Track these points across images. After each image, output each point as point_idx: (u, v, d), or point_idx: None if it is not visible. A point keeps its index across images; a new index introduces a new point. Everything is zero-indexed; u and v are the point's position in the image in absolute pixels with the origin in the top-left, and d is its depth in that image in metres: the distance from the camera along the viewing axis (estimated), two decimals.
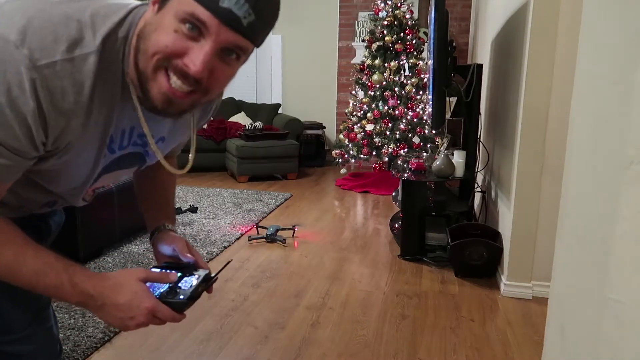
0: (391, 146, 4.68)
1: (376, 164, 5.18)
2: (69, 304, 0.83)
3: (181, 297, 0.86)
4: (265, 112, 6.09)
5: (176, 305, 0.84)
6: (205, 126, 1.20)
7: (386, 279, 2.63)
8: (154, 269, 0.92)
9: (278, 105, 6.21)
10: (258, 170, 5.12)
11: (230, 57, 0.75)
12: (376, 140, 4.79)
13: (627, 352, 0.73)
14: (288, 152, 5.17)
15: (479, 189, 3.24)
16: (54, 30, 0.69)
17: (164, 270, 0.92)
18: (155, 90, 0.74)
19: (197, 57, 0.70)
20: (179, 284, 0.88)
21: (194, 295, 0.87)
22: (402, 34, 4.80)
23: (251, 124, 5.59)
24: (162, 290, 0.86)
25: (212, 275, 0.94)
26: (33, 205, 0.90)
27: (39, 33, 0.68)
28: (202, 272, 0.92)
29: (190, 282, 0.89)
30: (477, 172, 3.09)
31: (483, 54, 4.12)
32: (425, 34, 5.11)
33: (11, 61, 0.66)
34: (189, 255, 0.96)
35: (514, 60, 2.54)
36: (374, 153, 4.85)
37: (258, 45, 0.80)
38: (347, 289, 2.50)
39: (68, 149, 0.76)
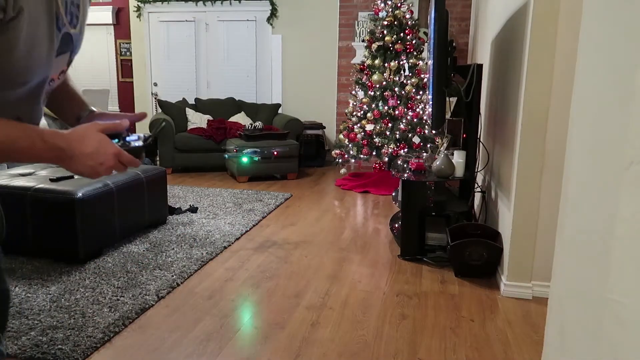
0: (391, 146, 4.68)
1: (376, 164, 5.18)
2: (44, 162, 0.89)
3: (137, 144, 0.96)
4: (265, 112, 6.09)
5: (134, 150, 0.95)
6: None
7: (386, 279, 2.63)
8: None
9: (278, 105, 6.22)
10: (258, 170, 5.12)
11: None
12: (376, 140, 4.79)
13: (627, 352, 0.73)
14: (288, 152, 5.17)
15: (479, 189, 3.24)
16: None
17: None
18: None
19: None
20: (127, 139, 0.97)
21: (146, 144, 0.98)
22: (402, 34, 4.80)
23: (251, 124, 5.59)
24: (116, 143, 0.95)
25: (149, 135, 1.03)
26: None
27: None
28: (140, 134, 1.02)
29: (135, 137, 0.98)
30: (477, 172, 3.08)
31: (483, 54, 4.12)
32: (425, 34, 5.12)
33: None
34: (123, 120, 1.00)
35: (514, 60, 2.54)
36: (374, 153, 4.85)
37: None
38: (347, 289, 2.50)
39: (21, 17, 0.79)
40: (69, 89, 1.16)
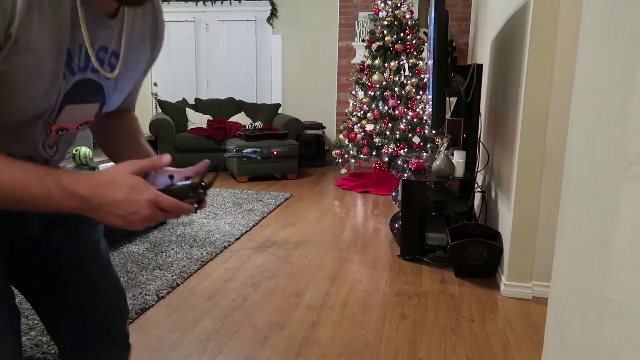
0: (391, 146, 4.68)
1: (376, 164, 5.18)
2: (66, 211, 0.74)
3: (185, 183, 0.79)
4: (265, 112, 6.09)
5: (180, 191, 0.77)
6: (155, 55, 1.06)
7: (386, 279, 2.63)
8: None
9: (278, 105, 6.21)
10: (258, 170, 5.12)
11: None
12: (376, 140, 4.79)
13: (627, 352, 0.73)
14: (288, 152, 5.17)
15: (479, 189, 3.24)
16: None
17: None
18: None
19: None
20: (176, 183, 0.83)
21: (197, 185, 0.80)
22: (402, 34, 4.80)
23: (251, 124, 5.59)
24: (159, 187, 0.80)
25: (204, 183, 0.85)
26: None
27: None
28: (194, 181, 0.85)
29: (186, 182, 0.83)
30: (477, 172, 3.08)
31: (483, 54, 4.12)
32: (425, 34, 5.12)
33: None
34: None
35: (514, 60, 2.54)
36: (374, 153, 4.85)
37: None
38: (347, 289, 2.50)
39: (22, 46, 0.69)
40: (131, 139, 1.03)
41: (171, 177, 0.85)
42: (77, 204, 0.73)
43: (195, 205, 0.82)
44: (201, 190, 0.82)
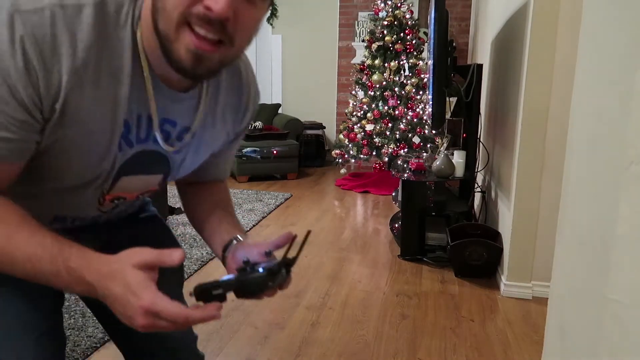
0: (391, 146, 4.68)
1: (376, 164, 5.18)
2: (77, 293, 0.69)
3: (263, 268, 0.64)
4: (265, 112, 6.09)
5: (255, 282, 0.64)
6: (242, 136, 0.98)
7: (386, 279, 2.63)
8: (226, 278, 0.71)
9: (278, 105, 6.21)
10: (258, 170, 5.12)
11: None
12: (376, 140, 4.79)
13: (627, 352, 0.73)
14: (288, 152, 5.17)
15: (479, 189, 3.24)
16: None
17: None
18: (182, 49, 0.66)
19: None
20: (252, 265, 0.69)
21: (278, 270, 0.66)
22: (402, 34, 4.80)
23: (251, 124, 5.59)
24: (237, 267, 0.67)
25: (286, 259, 0.69)
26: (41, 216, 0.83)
27: None
28: (268, 264, 0.69)
29: (268, 263, 0.69)
30: (477, 172, 3.08)
31: (483, 54, 4.12)
32: (425, 34, 5.11)
33: None
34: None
35: (514, 60, 2.54)
36: (374, 153, 4.85)
37: None
38: (347, 289, 2.50)
39: (71, 120, 0.67)
40: (213, 213, 0.96)
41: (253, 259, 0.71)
42: (85, 288, 0.66)
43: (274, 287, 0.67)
44: (284, 273, 0.68)
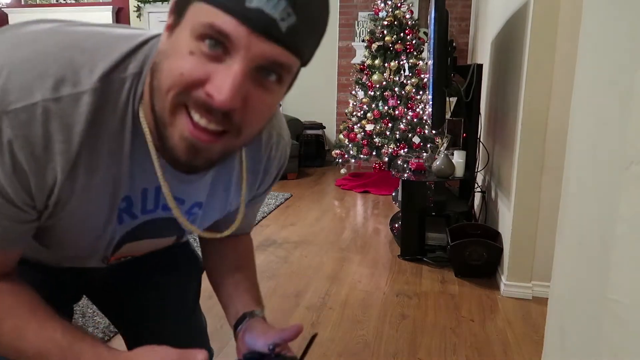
0: (391, 146, 4.68)
1: (376, 164, 5.18)
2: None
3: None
4: None
5: None
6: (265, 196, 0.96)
7: (386, 279, 2.63)
8: None
9: (278, 105, 6.21)
10: None
11: (269, 78, 0.58)
12: (376, 140, 4.79)
13: (627, 352, 0.73)
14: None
15: (479, 189, 3.24)
16: (42, 62, 0.55)
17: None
18: (177, 137, 0.57)
19: (222, 81, 0.52)
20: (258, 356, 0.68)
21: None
22: (402, 34, 4.80)
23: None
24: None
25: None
26: (49, 262, 0.80)
27: (21, 67, 0.55)
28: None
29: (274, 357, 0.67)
30: (477, 172, 3.09)
31: (483, 54, 4.12)
32: (425, 34, 5.11)
33: None
34: (274, 342, 0.75)
35: (514, 60, 2.54)
36: (374, 153, 4.85)
37: (305, 59, 0.61)
38: (347, 289, 2.50)
39: (64, 209, 0.63)
40: (237, 271, 0.91)
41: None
42: None
43: None
44: None
